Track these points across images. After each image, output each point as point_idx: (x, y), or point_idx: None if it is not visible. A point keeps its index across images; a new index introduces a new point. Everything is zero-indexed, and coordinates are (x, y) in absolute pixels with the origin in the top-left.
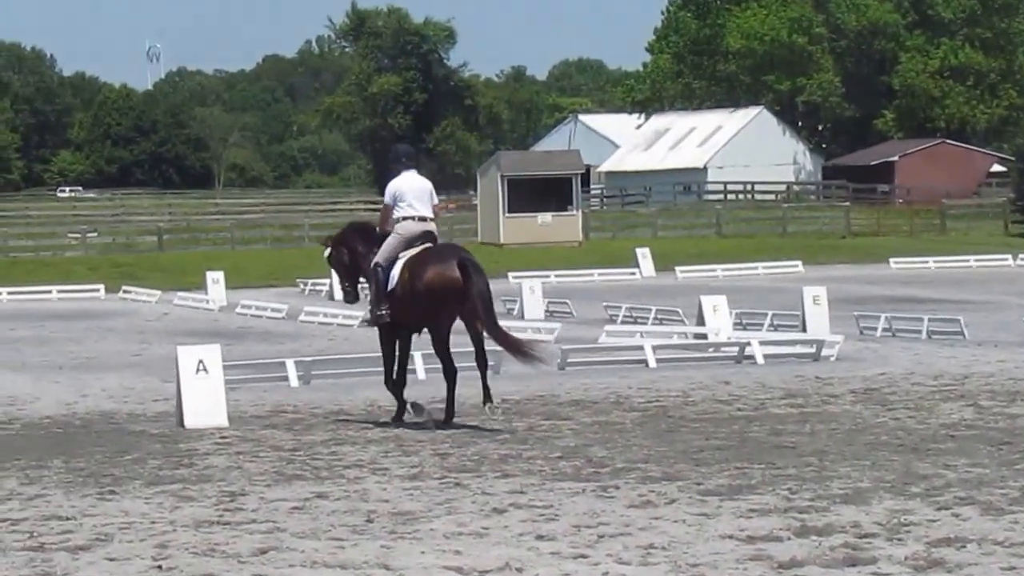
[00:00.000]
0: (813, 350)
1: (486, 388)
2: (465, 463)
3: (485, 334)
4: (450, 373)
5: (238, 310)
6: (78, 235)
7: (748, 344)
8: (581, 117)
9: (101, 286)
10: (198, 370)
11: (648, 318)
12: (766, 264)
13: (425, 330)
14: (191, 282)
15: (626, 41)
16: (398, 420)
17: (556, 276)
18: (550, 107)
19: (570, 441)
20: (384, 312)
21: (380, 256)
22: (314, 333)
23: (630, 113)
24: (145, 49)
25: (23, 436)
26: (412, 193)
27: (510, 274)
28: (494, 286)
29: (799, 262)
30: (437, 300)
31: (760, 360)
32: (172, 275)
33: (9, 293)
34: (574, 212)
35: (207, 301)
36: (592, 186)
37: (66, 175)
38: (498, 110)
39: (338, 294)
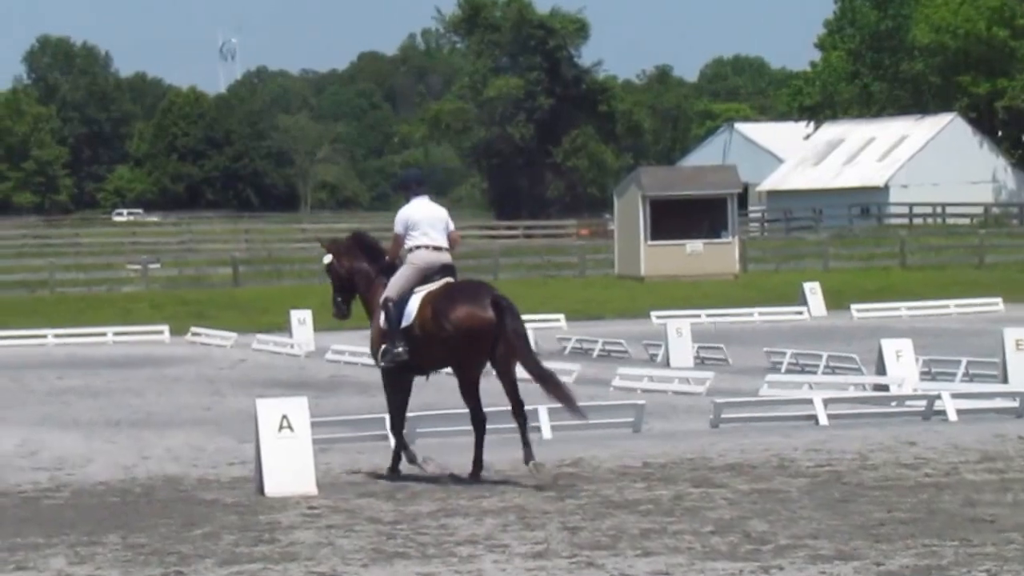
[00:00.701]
0: (1016, 404)
1: (527, 445)
2: (599, 539)
3: (526, 374)
4: (479, 421)
5: (328, 356)
6: (138, 267)
7: (938, 397)
8: (738, 126)
9: (165, 327)
10: (281, 427)
11: (818, 366)
12: (959, 302)
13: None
14: (272, 323)
15: (792, 36)
16: (393, 471)
17: (708, 316)
18: (701, 114)
19: (724, 513)
20: (402, 350)
21: (391, 290)
22: (419, 383)
23: (796, 121)
24: (218, 45)
25: (73, 506)
26: (426, 221)
27: (653, 313)
28: (634, 327)
29: (999, 299)
30: (469, 342)
31: (952, 416)
32: (250, 314)
33: (56, 336)
34: (729, 239)
35: (292, 345)
36: (751, 208)
37: (123, 195)
38: (639, 118)
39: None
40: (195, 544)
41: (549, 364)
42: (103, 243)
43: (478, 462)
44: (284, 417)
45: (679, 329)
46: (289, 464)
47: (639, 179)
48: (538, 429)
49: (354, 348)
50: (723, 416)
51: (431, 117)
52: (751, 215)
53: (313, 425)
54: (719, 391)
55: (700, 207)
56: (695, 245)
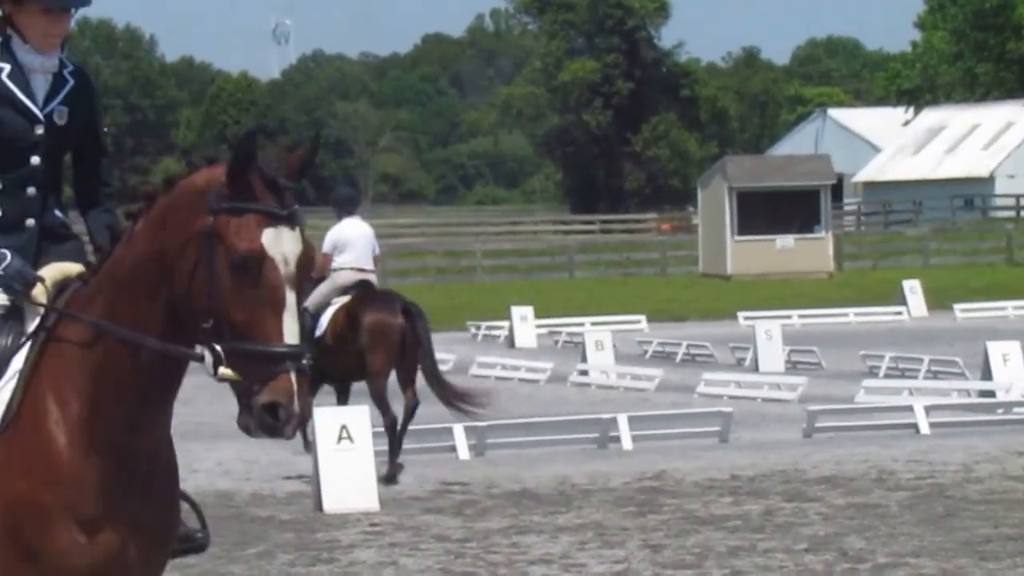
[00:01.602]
0: None
1: (393, 459)
2: (684, 557)
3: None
4: (390, 425)
5: None
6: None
7: None
8: (831, 112)
9: None
10: (340, 439)
11: (919, 371)
12: None
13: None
14: None
15: (890, 15)
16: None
17: (800, 316)
18: (791, 100)
19: (819, 529)
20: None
21: (310, 301)
22: (489, 390)
23: (895, 107)
24: (271, 28)
25: None
26: (354, 243)
27: (740, 314)
28: (720, 329)
29: None
30: (377, 346)
31: None
32: None
33: None
34: (823, 234)
35: None
36: (846, 200)
37: None
38: (724, 103)
39: (520, 340)
40: (248, 564)
41: (630, 369)
42: None
43: (393, 463)
44: (344, 427)
45: (768, 331)
46: (349, 478)
47: (725, 169)
48: (617, 440)
49: None
50: (817, 425)
51: (501, 103)
52: (846, 208)
53: (374, 436)
54: (812, 398)
55: (791, 199)
56: (785, 241)
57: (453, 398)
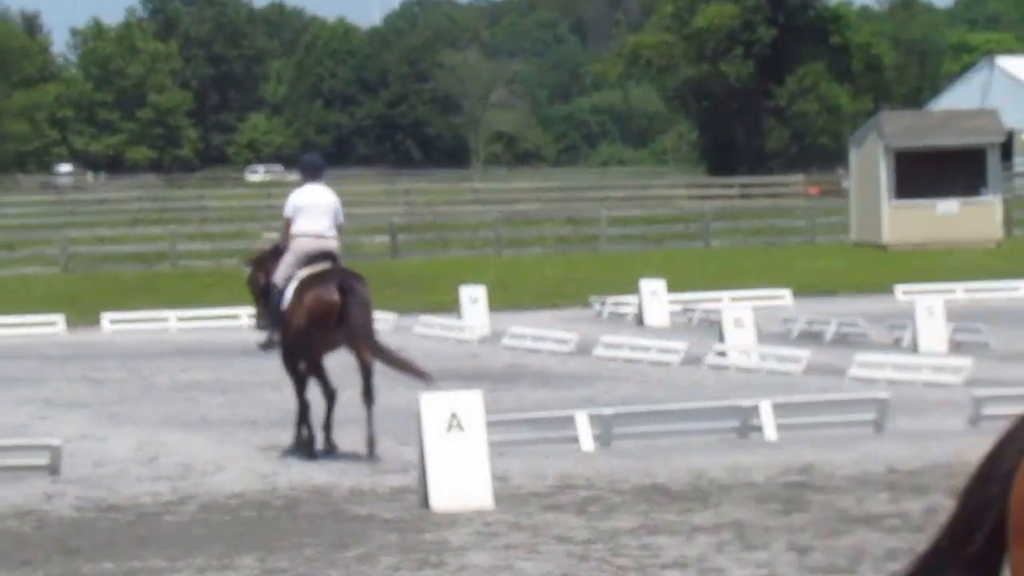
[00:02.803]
0: None
1: (371, 434)
2: (835, 560)
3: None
4: (329, 394)
5: (506, 341)
6: (276, 235)
7: None
8: (999, 61)
9: None
10: (450, 427)
11: None
12: None
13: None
14: (438, 301)
15: None
16: (300, 447)
17: (965, 291)
18: (955, 47)
19: None
20: (275, 339)
21: (277, 275)
22: (616, 374)
23: None
24: None
25: (202, 522)
26: (312, 208)
27: (898, 288)
28: (875, 304)
29: None
30: (313, 325)
31: None
32: (412, 291)
33: (180, 319)
34: (990, 198)
35: (462, 328)
36: (1016, 160)
37: (258, 149)
38: (879, 52)
39: (650, 317)
40: (348, 568)
41: (774, 350)
42: (234, 207)
43: (328, 434)
44: (453, 415)
45: (930, 307)
46: (460, 471)
47: (880, 126)
48: (759, 429)
49: (536, 331)
50: (983, 412)
51: (628, 52)
52: (1016, 169)
53: (488, 424)
54: (979, 381)
55: (954, 159)
56: (948, 205)
57: (399, 364)
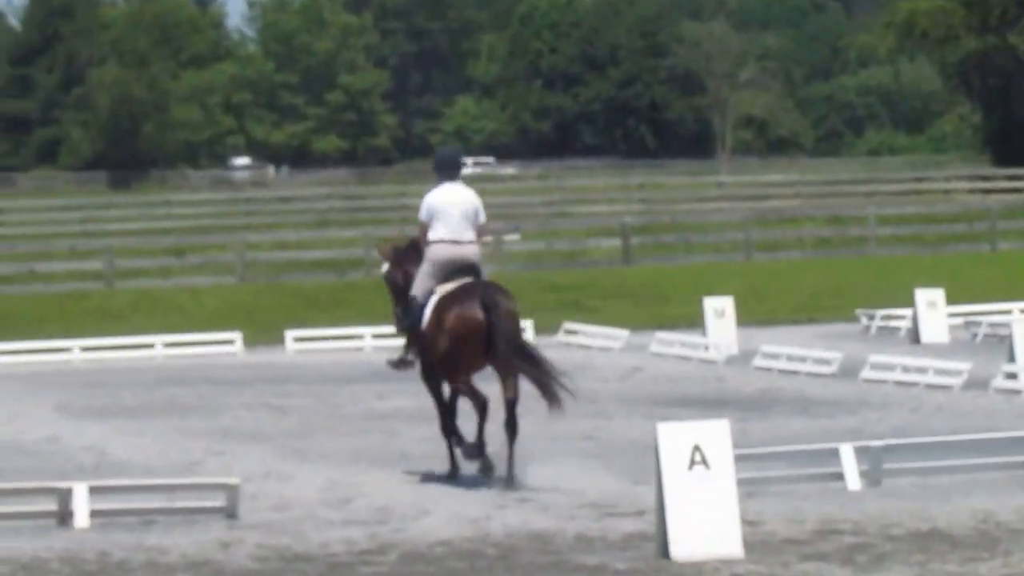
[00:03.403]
0: None
1: (511, 472)
2: None
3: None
4: (481, 406)
5: (757, 361)
6: (489, 239)
7: None
8: None
9: (528, 323)
10: (693, 463)
11: None
12: None
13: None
14: (678, 315)
15: None
16: (470, 456)
17: None
18: None
19: None
20: (411, 357)
21: (416, 289)
22: (887, 400)
23: None
24: None
25: (403, 575)
26: (448, 210)
27: None
28: None
29: None
30: (459, 346)
31: None
32: (646, 303)
33: (375, 337)
34: None
35: (706, 347)
36: None
37: (467, 138)
38: None
39: (927, 333)
40: None
41: None
42: None
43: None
44: (696, 448)
45: None
46: (704, 514)
47: None
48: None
49: (793, 350)
50: None
51: (900, 22)
52: None
53: (737, 459)
54: None
55: None
56: None
57: (544, 382)
